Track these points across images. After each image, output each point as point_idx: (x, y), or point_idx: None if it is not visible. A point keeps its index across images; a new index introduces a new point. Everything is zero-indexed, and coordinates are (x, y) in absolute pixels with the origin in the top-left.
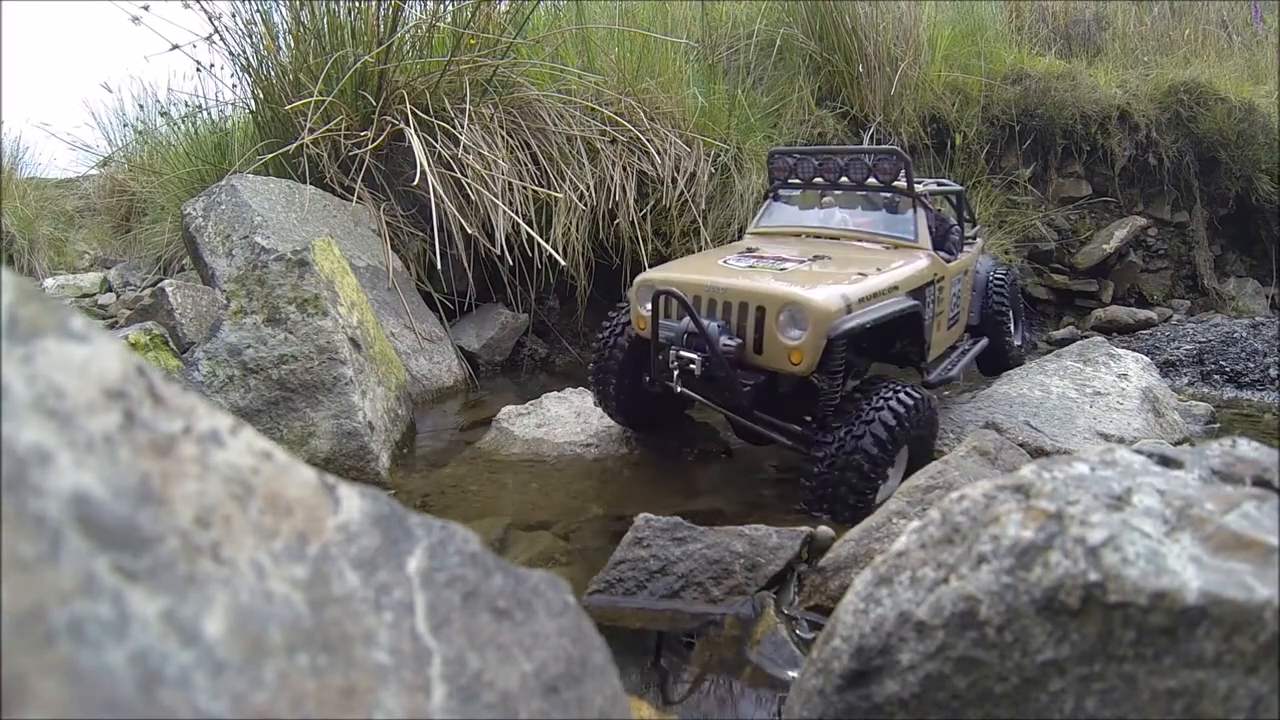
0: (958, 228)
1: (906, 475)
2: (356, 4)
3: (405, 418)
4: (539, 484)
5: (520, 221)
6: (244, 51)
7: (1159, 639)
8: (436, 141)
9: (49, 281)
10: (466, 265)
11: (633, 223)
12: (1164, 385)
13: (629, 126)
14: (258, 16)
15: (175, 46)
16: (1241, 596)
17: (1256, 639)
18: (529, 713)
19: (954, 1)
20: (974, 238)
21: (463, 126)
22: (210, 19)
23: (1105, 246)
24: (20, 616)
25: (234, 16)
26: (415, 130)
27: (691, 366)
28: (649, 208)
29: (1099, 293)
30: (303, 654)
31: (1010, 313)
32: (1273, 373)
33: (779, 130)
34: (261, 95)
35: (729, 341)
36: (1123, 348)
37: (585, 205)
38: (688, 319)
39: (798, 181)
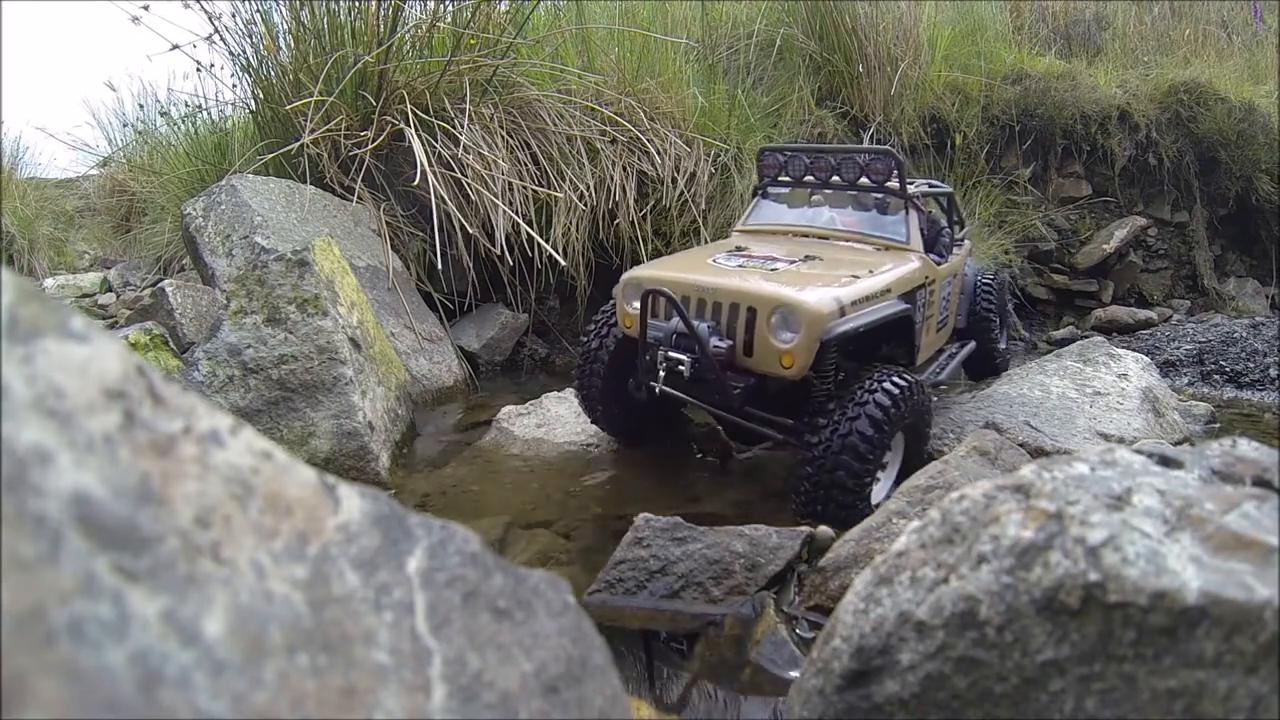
0: (948, 230)
1: (904, 466)
2: (356, 4)
3: (405, 418)
4: (539, 484)
5: (520, 221)
6: (244, 51)
7: (1159, 639)
8: (436, 141)
9: (49, 281)
10: (466, 265)
11: (633, 223)
12: (1164, 385)
13: (629, 126)
14: (258, 16)
15: (175, 46)
16: (1241, 596)
17: (1256, 639)
18: (529, 713)
19: (954, 1)
20: (963, 240)
21: (463, 126)
22: (210, 19)
23: (1105, 246)
24: (20, 616)
25: (234, 16)
26: (415, 130)
27: (680, 368)
28: (649, 208)
29: (1099, 293)
30: (303, 654)
31: (998, 317)
32: (1273, 373)
33: (779, 130)
34: (261, 95)
35: (720, 343)
36: (1123, 348)
37: (585, 205)
38: (677, 319)
39: (788, 179)
